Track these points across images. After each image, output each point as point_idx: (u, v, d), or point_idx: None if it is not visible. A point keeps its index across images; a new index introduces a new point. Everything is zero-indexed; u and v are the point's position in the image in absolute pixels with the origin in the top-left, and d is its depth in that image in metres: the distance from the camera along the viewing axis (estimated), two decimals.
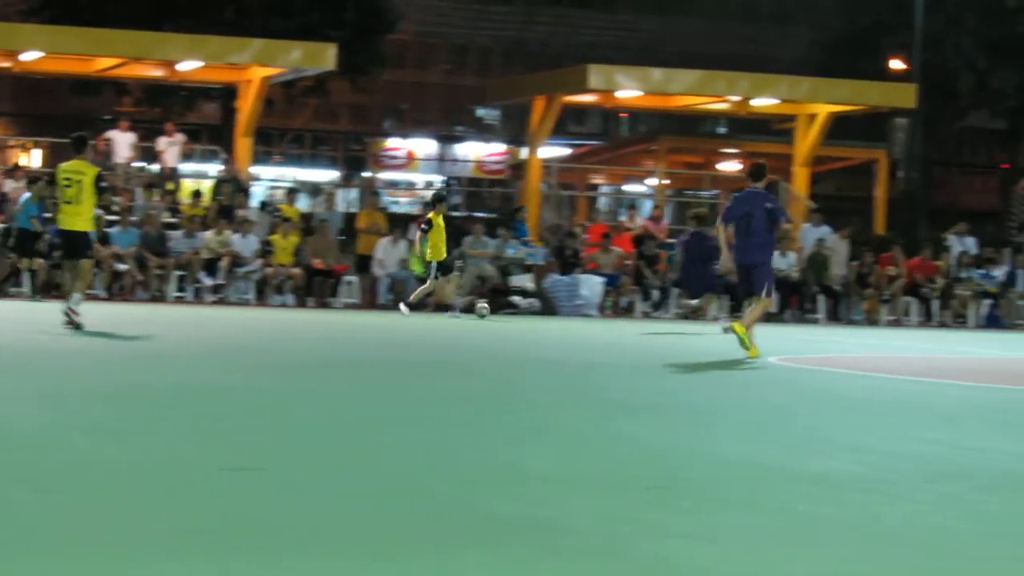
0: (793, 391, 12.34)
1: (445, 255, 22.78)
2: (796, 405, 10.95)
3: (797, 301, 28.07)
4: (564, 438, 8.15)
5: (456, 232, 26.29)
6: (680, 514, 5.74)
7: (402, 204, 45.21)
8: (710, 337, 19.24)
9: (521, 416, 9.32)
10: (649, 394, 11.34)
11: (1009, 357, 19.18)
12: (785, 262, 26.95)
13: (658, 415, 9.69)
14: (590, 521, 5.50)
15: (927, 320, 28.78)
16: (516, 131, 44.59)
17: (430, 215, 22.93)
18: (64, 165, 16.52)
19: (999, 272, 29.73)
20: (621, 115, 51.15)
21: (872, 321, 28.50)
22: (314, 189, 42.25)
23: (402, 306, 23.18)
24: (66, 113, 41.12)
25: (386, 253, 27.01)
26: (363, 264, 27.48)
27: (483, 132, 53.94)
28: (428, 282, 22.75)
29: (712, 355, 15.96)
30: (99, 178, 16.24)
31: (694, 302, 24.09)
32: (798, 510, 5.96)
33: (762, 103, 31.37)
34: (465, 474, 6.66)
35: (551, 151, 35.63)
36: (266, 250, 26.15)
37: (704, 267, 22.86)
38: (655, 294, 27.63)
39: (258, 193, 34.92)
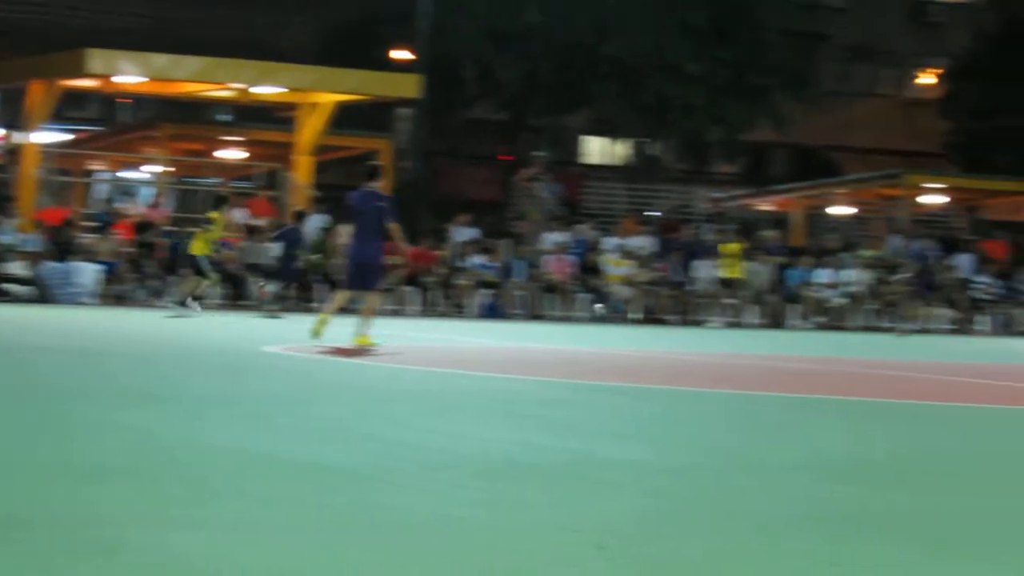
0: (296, 380, 12.33)
1: None
2: (299, 394, 10.94)
3: (302, 289, 28.20)
4: (55, 428, 7.84)
5: None
6: (176, 504, 5.59)
7: None
8: (225, 324, 19.06)
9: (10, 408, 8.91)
10: (153, 383, 11.07)
11: (506, 346, 19.85)
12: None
13: (161, 404, 9.47)
14: (77, 514, 5.28)
15: (427, 309, 29.42)
16: (13, 116, 42.86)
17: None
18: None
19: (498, 262, 30.74)
20: (123, 101, 49.98)
21: None
22: None
23: None
24: None
25: None
26: None
27: None
28: None
29: (219, 343, 15.79)
30: None
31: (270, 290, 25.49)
32: (304, 500, 5.92)
33: (265, 91, 31.30)
34: None
35: (50, 136, 34.42)
36: None
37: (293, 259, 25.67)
38: (156, 282, 27.37)
39: None
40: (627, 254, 31.32)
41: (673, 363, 17.59)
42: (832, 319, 31.60)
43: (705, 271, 31.25)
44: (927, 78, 50.58)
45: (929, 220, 40.48)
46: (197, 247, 23.97)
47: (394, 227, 16.95)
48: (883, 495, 6.82)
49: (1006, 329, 32.42)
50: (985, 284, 32.97)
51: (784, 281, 32.12)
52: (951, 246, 35.05)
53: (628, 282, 30.86)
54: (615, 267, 30.73)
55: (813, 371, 17.07)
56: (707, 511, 6.16)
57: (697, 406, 11.60)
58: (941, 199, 39.84)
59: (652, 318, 30.39)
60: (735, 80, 38.18)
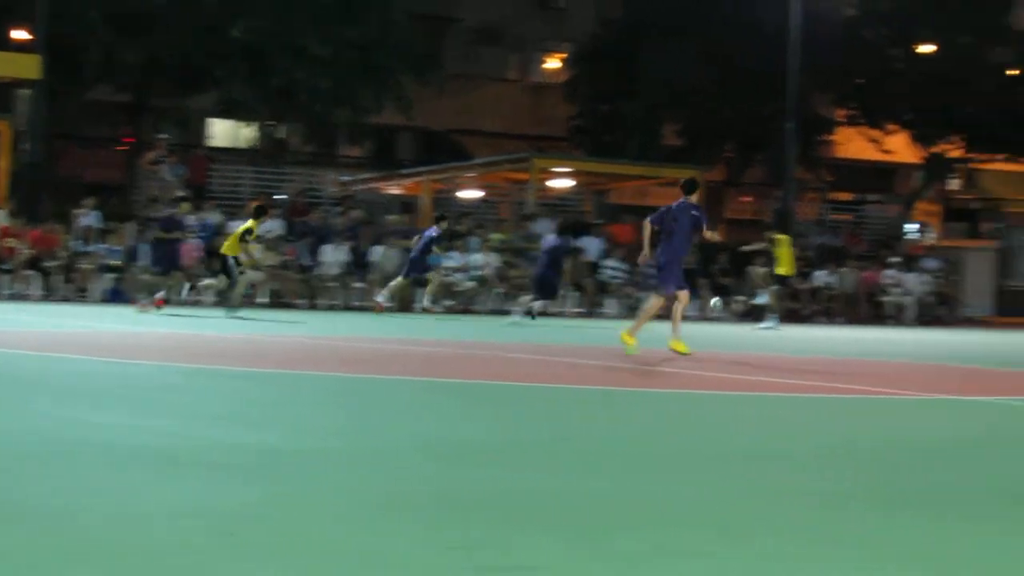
0: None
1: None
2: None
3: None
4: None
5: None
6: None
7: None
8: None
9: None
10: None
11: (130, 331, 19.60)
12: None
13: None
14: None
15: (49, 294, 28.73)
16: None
17: None
18: None
19: (122, 246, 30.22)
20: None
21: None
22: None
23: None
24: None
25: None
26: None
27: None
28: None
29: None
30: None
31: None
32: None
33: None
34: None
35: None
36: None
37: None
38: None
39: None
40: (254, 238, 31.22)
41: (299, 347, 17.70)
42: (461, 302, 32.25)
43: (333, 255, 31.44)
44: (553, 62, 51.90)
45: (557, 204, 41.60)
46: None
47: None
48: (509, 477, 7.02)
49: (632, 312, 33.61)
50: (612, 267, 34.14)
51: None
52: (580, 230, 36.18)
53: (255, 266, 30.79)
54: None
55: (440, 354, 17.40)
56: (331, 494, 6.28)
57: (321, 390, 11.73)
58: (568, 183, 41.00)
59: (280, 302, 30.41)
60: (362, 63, 38.43)
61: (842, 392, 13.34)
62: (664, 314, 18.33)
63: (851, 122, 49.39)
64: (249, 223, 25.53)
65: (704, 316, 33.94)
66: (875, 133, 48.91)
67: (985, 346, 25.84)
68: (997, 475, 7.87)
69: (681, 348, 17.38)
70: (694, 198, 17.87)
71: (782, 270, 29.42)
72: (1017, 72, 48.98)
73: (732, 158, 47.79)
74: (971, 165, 51.16)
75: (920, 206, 53.16)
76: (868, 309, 37.74)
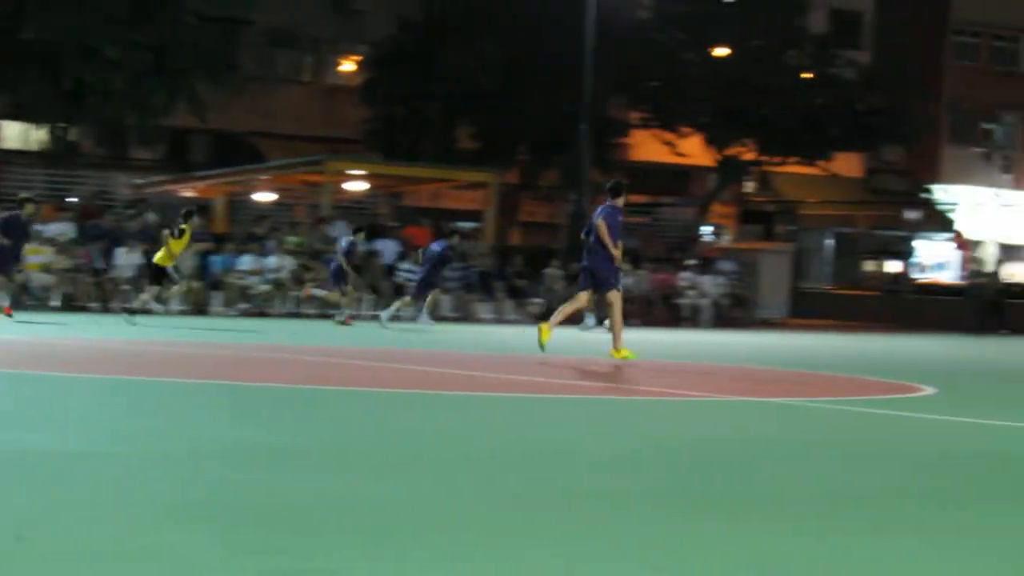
0: None
1: None
2: None
3: None
4: None
5: None
6: None
7: None
8: None
9: None
10: None
11: None
12: None
13: None
14: None
15: None
16: None
17: None
18: None
19: None
20: None
21: None
22: None
23: None
24: None
25: None
26: None
27: None
28: None
29: None
30: None
31: None
32: None
33: None
34: None
35: None
36: None
37: None
38: None
39: None
40: (46, 241, 30.68)
41: (87, 350, 17.49)
42: (256, 306, 32.08)
43: (126, 258, 31.03)
44: (348, 65, 51.83)
45: (353, 207, 41.60)
46: None
47: None
48: (300, 481, 7.11)
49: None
50: (407, 270, 34.22)
51: (207, 268, 32.32)
52: (375, 233, 36.24)
53: (47, 269, 30.26)
54: (33, 255, 30.02)
55: (232, 357, 17.36)
56: (122, 499, 6.28)
57: (105, 392, 11.65)
58: (363, 186, 41.03)
59: (73, 305, 29.94)
60: (155, 65, 37.96)
61: (637, 394, 13.58)
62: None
63: (646, 124, 50.08)
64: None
65: (500, 319, 34.24)
66: (670, 136, 49.64)
67: (780, 348, 26.44)
68: (792, 476, 8.11)
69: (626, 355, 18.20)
70: (620, 201, 18.61)
71: None
72: (811, 75, 50.15)
73: (527, 161, 48.17)
74: (765, 168, 52.08)
75: (715, 208, 54.15)
76: (664, 311, 38.28)
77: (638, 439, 9.68)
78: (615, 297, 18.55)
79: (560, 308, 19.32)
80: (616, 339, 18.47)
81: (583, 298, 19.08)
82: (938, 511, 7.05)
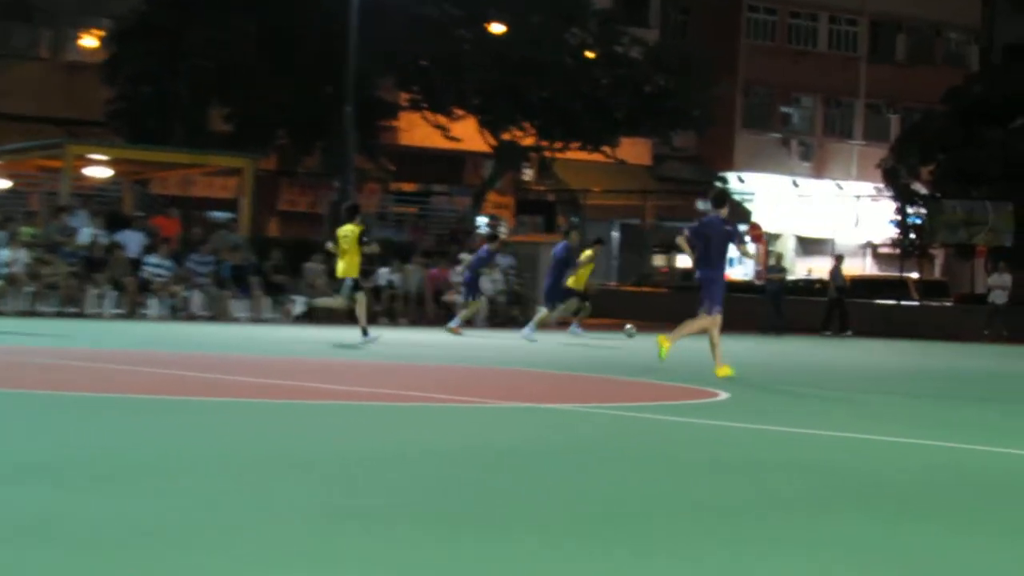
0: None
1: None
2: None
3: None
4: None
5: None
6: None
7: None
8: None
9: None
10: None
11: None
12: None
13: None
14: None
15: None
16: None
17: None
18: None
19: None
20: None
21: None
22: None
23: None
24: None
25: None
26: None
27: None
28: None
29: None
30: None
31: None
32: None
33: None
34: None
35: None
36: None
37: None
38: None
39: None
40: None
41: None
42: None
43: None
44: (90, 40, 51.53)
45: (95, 195, 41.47)
46: None
47: None
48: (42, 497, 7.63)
49: (177, 313, 34.26)
50: (155, 264, 34.56)
51: None
52: (118, 222, 36.50)
53: None
54: None
55: None
56: None
57: None
58: (107, 172, 40.94)
59: None
60: None
61: (399, 400, 14.05)
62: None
63: (416, 107, 50.54)
64: None
65: (257, 318, 34.82)
66: (442, 119, 50.21)
67: (561, 350, 26.82)
68: (561, 490, 8.40)
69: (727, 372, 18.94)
70: (724, 212, 19.38)
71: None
72: (594, 54, 50.85)
73: (287, 145, 48.33)
74: (545, 154, 52.70)
75: (491, 198, 54.78)
76: (436, 310, 38.67)
77: (395, 448, 9.99)
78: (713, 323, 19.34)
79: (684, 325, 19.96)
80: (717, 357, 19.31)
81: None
82: (717, 523, 7.46)
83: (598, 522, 7.30)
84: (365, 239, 25.54)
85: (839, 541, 7.07)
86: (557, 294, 31.65)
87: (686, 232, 19.58)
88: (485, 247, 32.97)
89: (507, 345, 27.48)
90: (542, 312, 31.51)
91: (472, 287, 32.60)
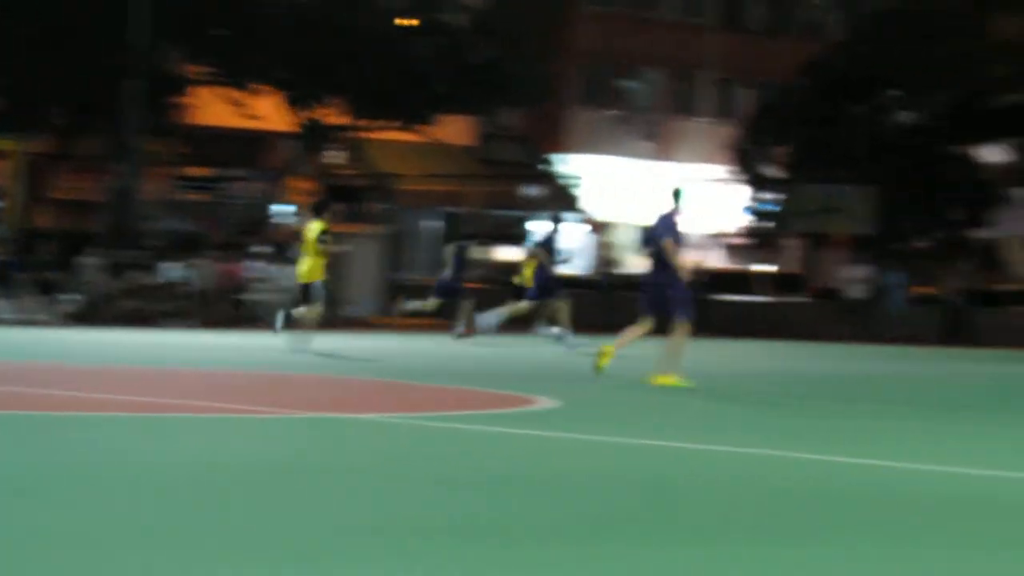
0: None
1: None
2: None
3: None
4: None
5: None
6: None
7: None
8: None
9: None
10: None
11: None
12: None
13: None
14: None
15: None
16: None
17: None
18: None
19: None
20: None
21: None
22: None
23: None
24: None
25: None
26: None
27: None
28: None
29: None
30: None
31: None
32: None
33: None
34: None
35: None
36: None
37: None
38: None
39: None
40: None
41: None
42: None
43: None
44: None
45: None
46: None
47: None
48: None
49: None
50: None
51: None
52: None
53: None
54: None
55: None
56: None
57: None
58: None
59: None
60: None
61: (190, 410, 14.32)
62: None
63: (210, 81, 49.92)
64: None
65: (26, 319, 34.53)
66: (239, 95, 49.77)
67: (374, 353, 27.32)
68: (360, 509, 8.71)
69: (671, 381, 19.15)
70: (678, 209, 20.23)
71: None
72: (412, 22, 50.90)
73: (62, 125, 47.67)
74: (355, 134, 52.45)
75: (294, 184, 54.40)
76: (230, 309, 38.59)
77: (177, 464, 10.29)
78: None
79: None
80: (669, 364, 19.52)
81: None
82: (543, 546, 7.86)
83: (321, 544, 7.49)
84: (324, 238, 25.44)
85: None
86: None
87: (668, 238, 20.05)
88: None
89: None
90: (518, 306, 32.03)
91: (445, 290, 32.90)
